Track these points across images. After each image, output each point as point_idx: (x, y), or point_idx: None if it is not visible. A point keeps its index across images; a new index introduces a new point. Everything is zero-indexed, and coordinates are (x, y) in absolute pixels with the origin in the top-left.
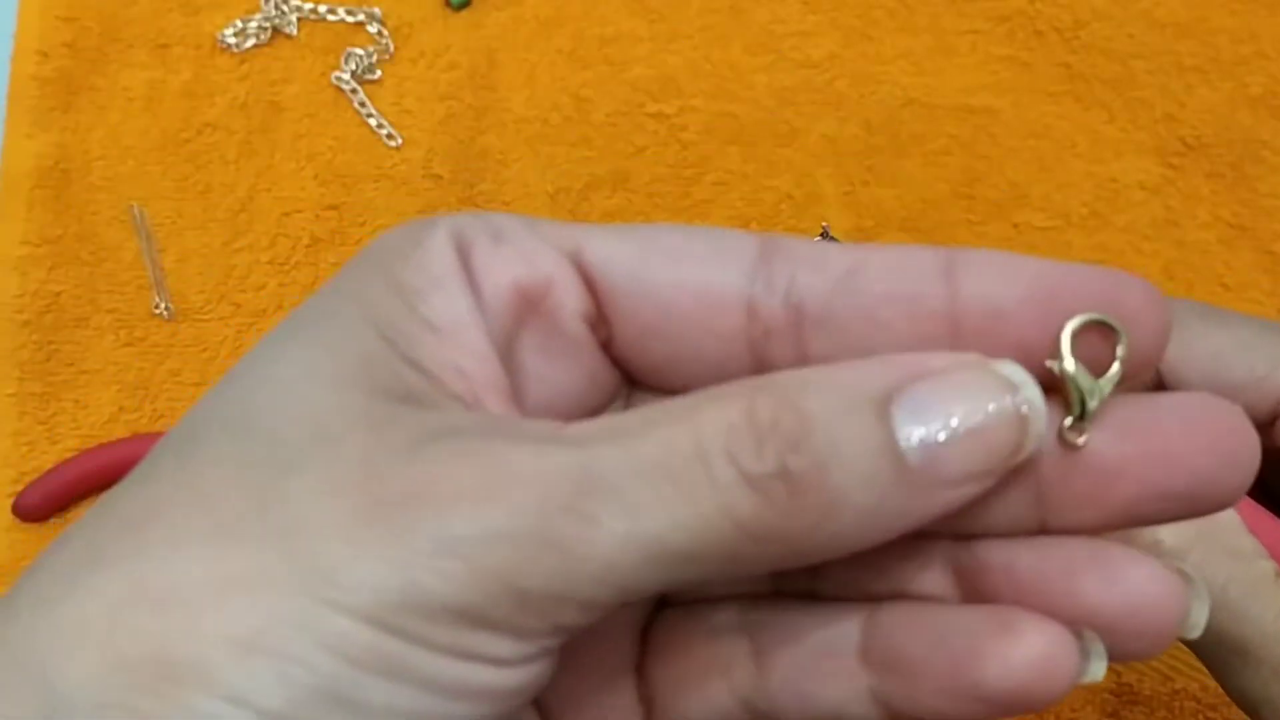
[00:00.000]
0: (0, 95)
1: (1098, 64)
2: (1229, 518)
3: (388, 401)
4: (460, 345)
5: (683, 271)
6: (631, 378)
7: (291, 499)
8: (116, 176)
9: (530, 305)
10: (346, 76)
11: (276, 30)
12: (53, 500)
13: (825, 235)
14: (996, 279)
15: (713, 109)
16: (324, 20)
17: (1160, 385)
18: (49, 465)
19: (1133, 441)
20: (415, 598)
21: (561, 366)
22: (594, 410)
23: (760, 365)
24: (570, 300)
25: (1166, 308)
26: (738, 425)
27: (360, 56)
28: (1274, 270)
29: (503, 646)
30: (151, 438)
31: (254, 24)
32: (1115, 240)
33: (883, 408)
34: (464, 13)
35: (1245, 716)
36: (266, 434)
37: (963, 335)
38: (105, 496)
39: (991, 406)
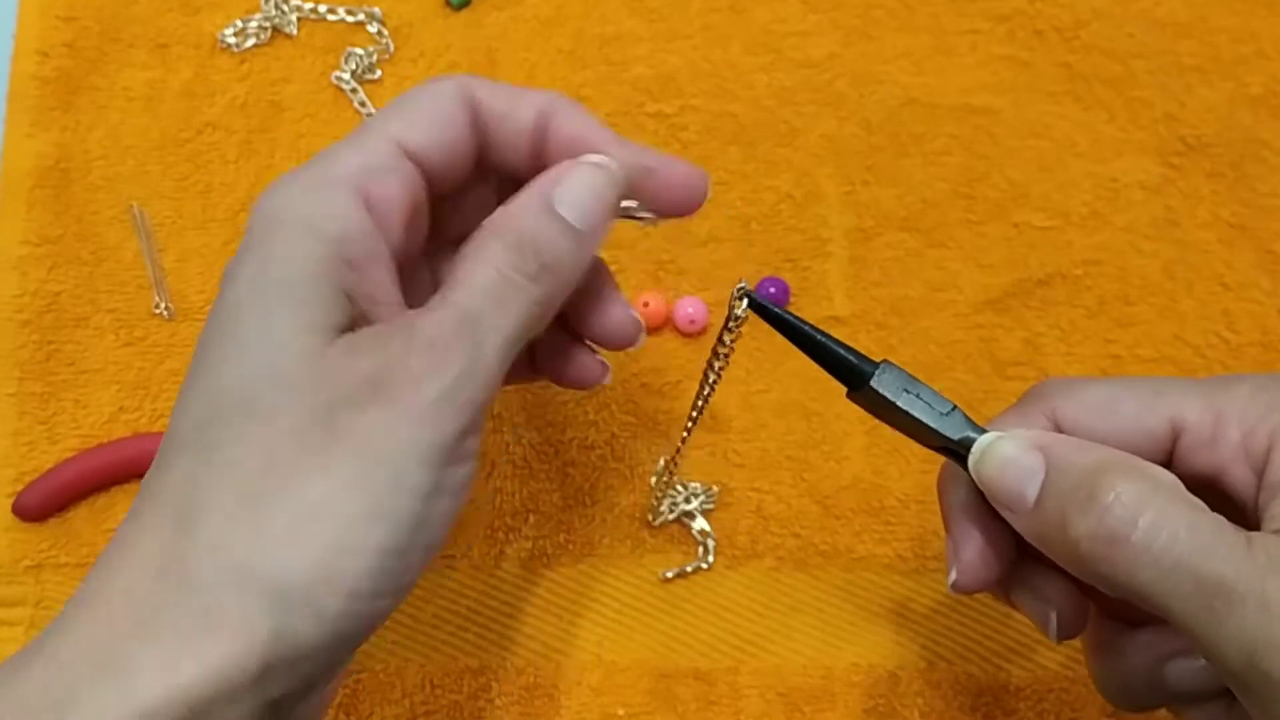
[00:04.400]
0: (0, 95)
1: (1098, 64)
2: (1173, 480)
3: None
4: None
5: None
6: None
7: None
8: (116, 176)
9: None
10: (346, 76)
11: (276, 30)
12: (53, 500)
13: (745, 295)
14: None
15: (713, 109)
16: (324, 20)
17: (1057, 426)
18: (49, 465)
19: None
20: (465, 400)
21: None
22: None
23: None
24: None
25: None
26: (512, 258)
27: (360, 56)
28: (1274, 270)
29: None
30: (152, 437)
31: (254, 24)
32: (1115, 240)
33: (551, 209)
34: (464, 13)
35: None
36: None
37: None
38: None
39: (599, 178)
